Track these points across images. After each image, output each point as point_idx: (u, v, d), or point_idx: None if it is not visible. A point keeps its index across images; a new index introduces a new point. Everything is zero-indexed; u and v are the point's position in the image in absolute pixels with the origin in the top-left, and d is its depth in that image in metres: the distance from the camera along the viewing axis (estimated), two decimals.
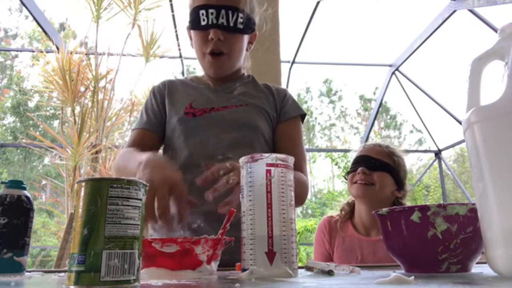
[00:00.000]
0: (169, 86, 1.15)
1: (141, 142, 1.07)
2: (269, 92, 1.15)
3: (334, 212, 1.61)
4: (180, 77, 1.71)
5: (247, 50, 1.16)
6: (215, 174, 0.75)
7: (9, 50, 14.57)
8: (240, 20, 1.04)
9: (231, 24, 1.03)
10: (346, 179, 1.56)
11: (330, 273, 0.57)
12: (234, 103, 1.08)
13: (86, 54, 3.50)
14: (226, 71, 1.11)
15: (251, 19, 1.10)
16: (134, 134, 1.11)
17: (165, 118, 1.12)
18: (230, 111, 1.07)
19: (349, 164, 1.62)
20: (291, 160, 0.59)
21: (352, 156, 1.59)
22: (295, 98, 1.20)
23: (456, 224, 0.58)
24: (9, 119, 13.58)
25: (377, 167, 1.43)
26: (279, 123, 1.12)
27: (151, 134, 1.09)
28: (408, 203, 1.52)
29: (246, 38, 1.11)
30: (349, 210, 1.53)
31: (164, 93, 1.14)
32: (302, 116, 1.15)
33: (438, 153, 6.32)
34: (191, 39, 1.15)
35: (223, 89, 1.13)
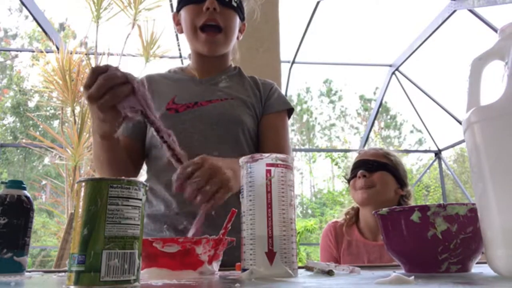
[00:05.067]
0: (149, 82, 1.10)
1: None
2: (255, 85, 1.12)
3: (338, 217, 1.62)
4: None
5: (237, 38, 1.14)
6: (184, 172, 0.72)
7: (9, 50, 14.57)
8: None
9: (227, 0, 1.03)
10: (346, 179, 1.56)
11: (330, 273, 0.57)
12: (219, 97, 1.04)
13: (86, 54, 3.50)
14: (220, 50, 1.07)
15: (242, 5, 1.10)
16: None
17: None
18: (215, 105, 1.03)
19: (349, 164, 1.63)
20: (291, 160, 0.59)
21: (352, 156, 1.61)
22: (295, 98, 1.19)
23: (456, 224, 0.58)
24: (9, 119, 13.58)
25: (375, 167, 1.44)
26: (264, 115, 1.09)
27: (131, 141, 1.05)
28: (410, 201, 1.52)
29: (238, 21, 1.09)
30: (354, 214, 1.53)
31: None
32: (289, 111, 1.12)
33: (438, 153, 6.32)
34: (178, 24, 1.12)
35: (208, 80, 1.09)
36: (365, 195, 1.42)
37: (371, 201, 1.42)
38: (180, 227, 0.91)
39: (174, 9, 1.14)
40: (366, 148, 1.60)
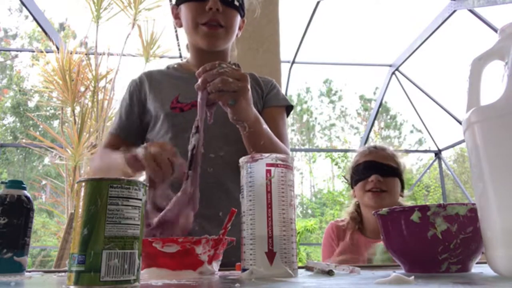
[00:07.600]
0: (149, 80, 1.11)
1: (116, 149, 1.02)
2: (255, 82, 1.13)
3: (340, 216, 1.63)
4: None
5: (236, 35, 1.13)
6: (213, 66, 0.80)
7: (9, 50, 14.57)
8: None
9: None
10: (346, 179, 1.56)
11: (330, 273, 0.57)
12: None
13: (86, 54, 3.50)
14: (220, 45, 1.07)
15: (243, 3, 1.10)
16: (110, 139, 1.09)
17: (142, 117, 1.08)
18: (219, 103, 1.05)
19: (349, 164, 1.62)
20: (291, 160, 0.59)
21: (352, 156, 1.60)
22: (295, 98, 1.19)
23: (456, 224, 0.58)
24: (9, 119, 13.59)
25: (389, 173, 1.46)
26: (264, 109, 1.10)
27: (126, 142, 1.04)
28: (408, 203, 1.53)
29: (239, 19, 1.09)
30: (355, 216, 1.54)
31: (144, 88, 1.09)
32: (288, 109, 1.14)
33: (438, 153, 6.32)
34: (176, 18, 1.11)
35: None
36: (376, 199, 1.43)
37: (380, 206, 1.42)
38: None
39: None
40: (367, 145, 1.57)
